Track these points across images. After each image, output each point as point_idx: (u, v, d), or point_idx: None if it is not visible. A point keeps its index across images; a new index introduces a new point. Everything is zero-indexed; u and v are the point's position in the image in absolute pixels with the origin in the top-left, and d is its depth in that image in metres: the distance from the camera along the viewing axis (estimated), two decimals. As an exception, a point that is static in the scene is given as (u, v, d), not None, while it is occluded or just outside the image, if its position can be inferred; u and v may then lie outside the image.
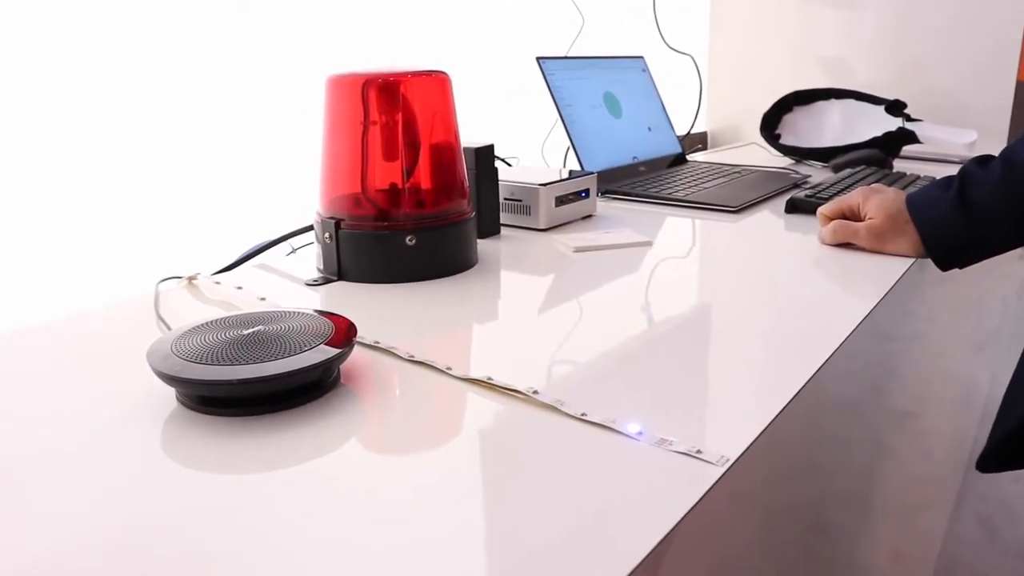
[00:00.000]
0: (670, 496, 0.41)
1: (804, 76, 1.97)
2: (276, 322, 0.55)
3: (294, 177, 1.09)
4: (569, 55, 1.36)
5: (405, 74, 0.78)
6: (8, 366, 0.60)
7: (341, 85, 0.78)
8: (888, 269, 0.84)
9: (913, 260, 0.86)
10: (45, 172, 0.89)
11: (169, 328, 0.65)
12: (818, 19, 1.97)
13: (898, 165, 1.54)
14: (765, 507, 0.86)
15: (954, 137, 1.51)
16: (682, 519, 0.39)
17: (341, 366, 0.56)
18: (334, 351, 0.52)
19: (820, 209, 0.97)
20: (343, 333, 0.55)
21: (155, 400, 0.53)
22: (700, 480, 0.42)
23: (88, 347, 0.64)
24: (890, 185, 1.25)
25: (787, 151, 1.64)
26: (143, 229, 0.98)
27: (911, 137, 1.54)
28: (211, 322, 0.56)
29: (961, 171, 0.84)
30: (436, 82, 0.79)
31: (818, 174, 1.46)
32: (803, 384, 0.55)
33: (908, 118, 1.56)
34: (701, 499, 0.41)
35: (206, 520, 0.39)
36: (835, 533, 1.61)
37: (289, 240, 0.92)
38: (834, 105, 1.68)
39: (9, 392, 0.55)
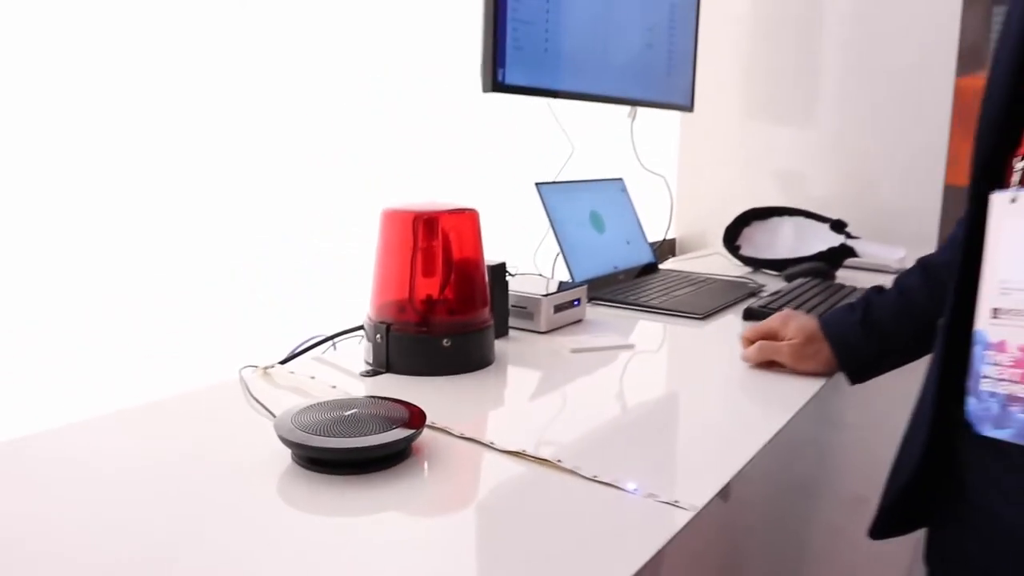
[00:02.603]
0: (656, 532, 0.61)
1: (762, 189, 2.23)
2: (366, 407, 0.75)
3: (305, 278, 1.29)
4: (560, 179, 1.59)
5: (445, 211, 0.99)
6: (135, 441, 0.78)
7: (395, 218, 0.99)
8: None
9: (827, 380, 1.02)
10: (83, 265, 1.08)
11: (268, 410, 0.84)
12: (776, 138, 2.24)
13: (841, 275, 1.77)
14: None
15: (886, 253, 1.76)
16: (664, 547, 0.59)
17: (411, 440, 0.76)
18: (413, 430, 0.72)
19: (743, 333, 1.10)
20: (417, 416, 0.74)
21: (276, 458, 0.72)
22: (679, 521, 0.62)
23: (200, 422, 0.82)
24: (829, 295, 1.48)
25: (746, 261, 1.87)
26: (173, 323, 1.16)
27: (851, 252, 1.79)
28: (317, 404, 0.75)
29: (863, 297, 1.02)
30: (468, 217, 1.01)
31: (772, 282, 1.69)
32: (753, 455, 0.76)
33: (848, 235, 1.81)
34: (678, 533, 0.61)
35: (302, 545, 0.58)
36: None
37: (332, 339, 1.11)
38: (787, 221, 1.93)
39: (150, 460, 0.74)
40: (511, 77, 1.34)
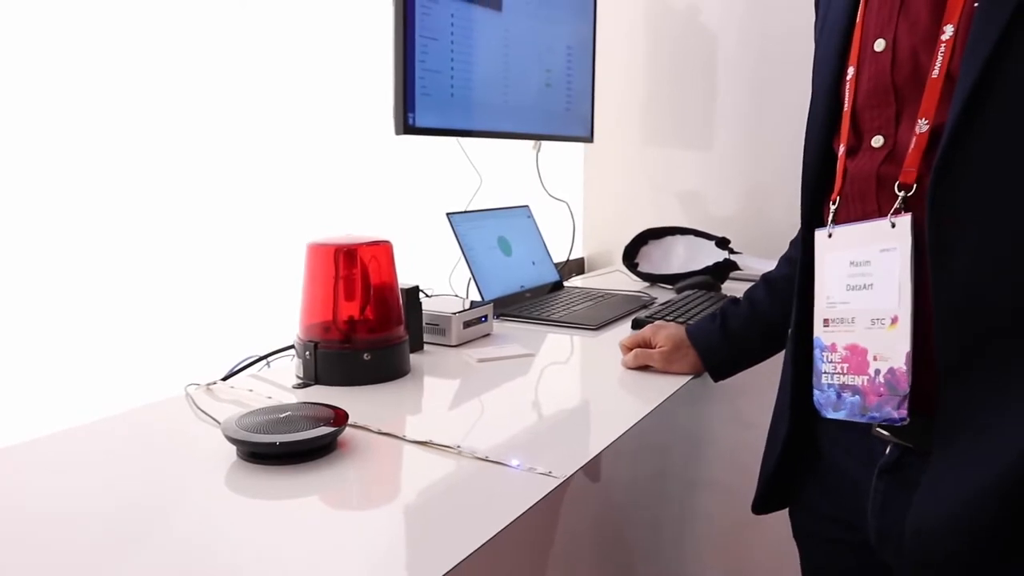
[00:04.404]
0: (532, 495, 0.77)
1: (664, 210, 2.42)
2: (298, 410, 0.90)
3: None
4: (470, 208, 1.76)
5: (363, 243, 1.15)
6: (101, 447, 0.92)
7: (319, 250, 1.14)
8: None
9: (693, 375, 1.21)
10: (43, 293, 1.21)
11: (214, 418, 0.98)
12: (676, 162, 2.44)
13: (728, 286, 1.98)
14: None
15: (764, 266, 1.97)
16: (534, 505, 0.76)
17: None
18: (336, 428, 0.87)
19: (621, 341, 1.26)
20: (340, 417, 0.90)
21: (223, 455, 0.86)
22: (550, 486, 0.79)
23: (160, 429, 0.96)
24: (711, 304, 1.68)
25: (643, 276, 2.07)
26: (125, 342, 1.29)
27: (734, 265, 2.00)
28: (256, 410, 0.90)
29: (721, 308, 1.21)
30: (383, 248, 1.17)
31: (665, 295, 1.89)
32: (619, 435, 0.93)
33: (731, 251, 2.02)
34: (548, 494, 0.78)
35: (247, 523, 0.74)
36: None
37: (266, 358, 1.26)
38: (679, 239, 2.14)
39: (116, 462, 0.87)
40: (421, 120, 1.51)
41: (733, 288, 1.96)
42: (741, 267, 2.00)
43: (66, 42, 1.16)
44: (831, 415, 0.84)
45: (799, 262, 0.93)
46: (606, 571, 1.03)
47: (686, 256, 2.09)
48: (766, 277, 1.20)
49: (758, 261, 1.99)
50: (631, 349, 1.24)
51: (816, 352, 0.86)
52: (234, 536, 0.70)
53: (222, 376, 1.17)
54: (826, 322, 0.85)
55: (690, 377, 1.20)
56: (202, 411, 1.01)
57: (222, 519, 0.73)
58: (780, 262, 1.18)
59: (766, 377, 1.51)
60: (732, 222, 2.29)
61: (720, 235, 2.08)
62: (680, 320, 1.48)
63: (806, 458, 0.96)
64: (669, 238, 2.15)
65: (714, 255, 2.04)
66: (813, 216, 0.91)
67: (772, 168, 2.27)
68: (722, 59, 2.29)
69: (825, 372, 0.85)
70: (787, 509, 1.03)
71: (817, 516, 0.96)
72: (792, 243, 1.19)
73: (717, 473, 2.12)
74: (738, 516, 1.85)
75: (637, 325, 1.52)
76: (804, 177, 0.92)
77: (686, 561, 2.06)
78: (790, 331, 0.96)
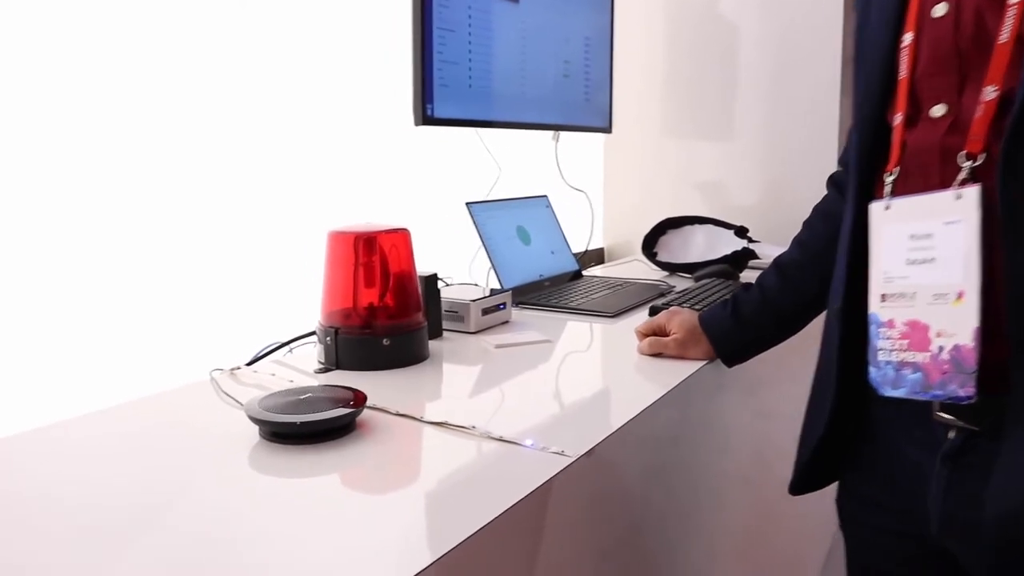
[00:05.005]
0: (544, 472, 0.79)
1: (685, 200, 2.43)
2: (318, 393, 0.93)
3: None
4: (489, 198, 1.78)
5: (382, 230, 1.17)
6: (132, 428, 0.95)
7: (340, 237, 1.17)
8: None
9: (707, 360, 1.22)
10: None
11: (237, 401, 1.01)
12: (696, 152, 2.44)
13: (745, 275, 1.99)
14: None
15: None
16: (549, 480, 0.78)
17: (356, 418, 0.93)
18: (355, 409, 0.90)
19: (636, 327, 1.28)
20: (359, 399, 0.92)
21: (246, 436, 0.89)
22: (563, 464, 0.81)
23: (186, 411, 0.99)
24: (727, 292, 1.69)
25: (662, 266, 2.08)
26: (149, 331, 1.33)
27: (752, 254, 2.00)
28: (279, 392, 0.93)
29: (732, 295, 1.22)
30: (401, 235, 1.19)
31: (683, 284, 1.90)
32: (631, 417, 0.95)
33: (750, 240, 2.03)
34: (561, 472, 0.80)
35: (269, 499, 0.76)
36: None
37: (289, 343, 1.29)
38: (698, 229, 2.14)
39: (146, 441, 0.91)
40: (439, 111, 1.53)
41: (751, 277, 1.96)
42: (759, 255, 2.01)
43: (94, 33, 1.19)
44: (889, 393, 0.82)
45: (847, 238, 0.90)
46: (615, 561, 1.04)
47: (705, 245, 2.10)
48: (777, 262, 1.21)
49: (776, 249, 1.97)
50: (646, 335, 1.26)
51: (872, 328, 0.83)
52: (256, 512, 0.73)
53: (246, 361, 1.20)
54: (883, 297, 0.82)
55: (704, 362, 1.21)
56: (226, 394, 1.04)
57: (245, 496, 0.76)
58: (791, 245, 1.19)
59: (785, 368, 1.53)
60: (751, 211, 2.30)
61: (739, 224, 2.09)
62: (696, 307, 1.49)
63: (854, 442, 0.95)
64: (688, 227, 2.16)
65: (733, 244, 2.04)
66: (864, 189, 0.88)
67: (790, 157, 2.27)
68: (741, 48, 2.30)
69: (882, 349, 0.82)
70: (834, 500, 1.02)
71: (868, 503, 0.94)
72: (805, 224, 1.20)
73: (731, 464, 2.12)
74: (755, 508, 1.86)
75: (654, 312, 1.53)
76: (858, 150, 0.89)
77: (700, 553, 2.07)
78: (836, 308, 0.93)
